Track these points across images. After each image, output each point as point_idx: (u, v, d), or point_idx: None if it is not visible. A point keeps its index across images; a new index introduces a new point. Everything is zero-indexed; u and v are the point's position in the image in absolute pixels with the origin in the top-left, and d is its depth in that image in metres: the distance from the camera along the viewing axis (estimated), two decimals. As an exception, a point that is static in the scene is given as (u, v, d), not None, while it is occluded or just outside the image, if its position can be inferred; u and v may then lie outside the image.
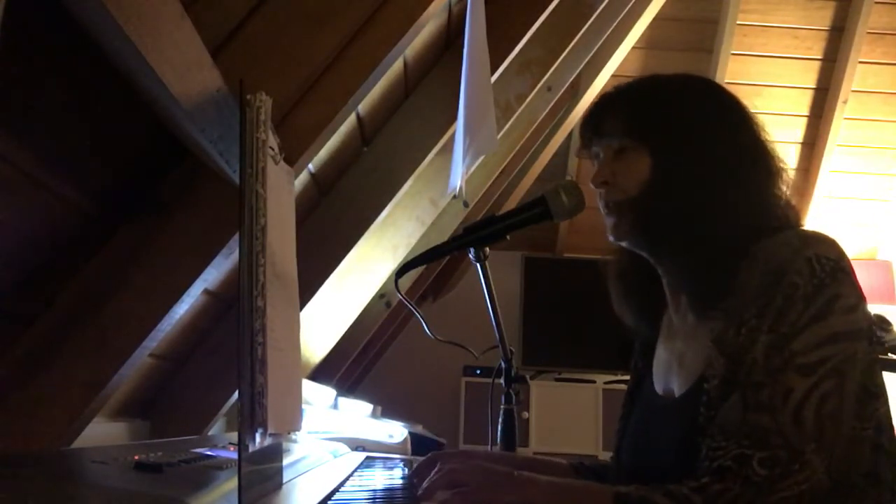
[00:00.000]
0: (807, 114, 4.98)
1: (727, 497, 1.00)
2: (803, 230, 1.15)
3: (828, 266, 1.06)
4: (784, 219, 1.19)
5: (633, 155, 1.22)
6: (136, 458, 0.87)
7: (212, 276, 1.34)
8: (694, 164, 1.18)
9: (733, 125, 1.22)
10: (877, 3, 4.62)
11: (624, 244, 1.26)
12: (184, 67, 1.01)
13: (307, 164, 1.62)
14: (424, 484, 1.16)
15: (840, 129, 4.98)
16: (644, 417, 1.29)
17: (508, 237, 1.52)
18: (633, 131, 1.22)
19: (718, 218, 1.15)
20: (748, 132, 1.23)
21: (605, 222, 1.26)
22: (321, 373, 2.88)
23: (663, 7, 4.16)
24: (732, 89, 1.30)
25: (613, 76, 4.36)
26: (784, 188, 1.22)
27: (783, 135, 4.92)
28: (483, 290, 1.58)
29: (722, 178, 1.17)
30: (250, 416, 0.86)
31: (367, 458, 1.99)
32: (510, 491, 1.10)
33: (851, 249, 5.16)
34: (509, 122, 2.87)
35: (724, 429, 1.04)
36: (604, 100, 1.28)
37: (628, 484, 1.20)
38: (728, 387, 1.07)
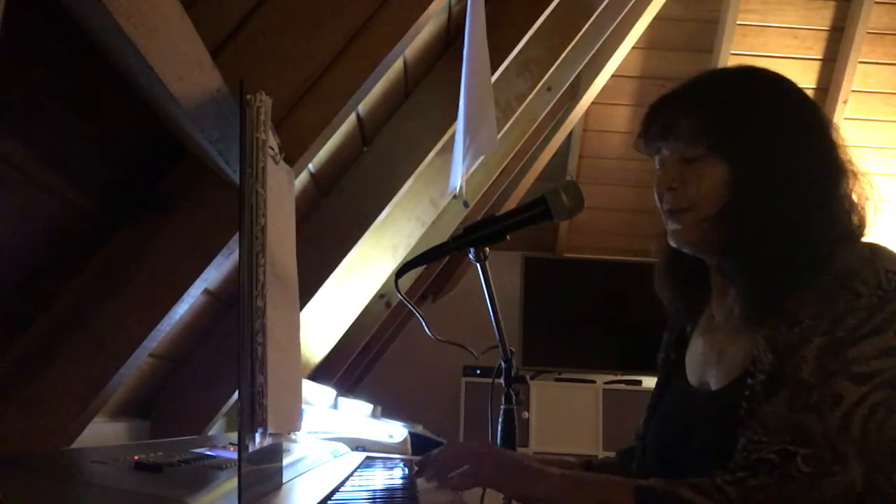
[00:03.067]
0: (807, 114, 4.98)
1: (766, 493, 1.00)
2: (872, 243, 1.14)
3: (894, 281, 1.06)
4: (858, 226, 1.17)
5: (707, 164, 1.17)
6: (136, 458, 0.86)
7: (212, 276, 1.34)
8: (775, 178, 1.15)
9: (809, 128, 1.19)
10: (877, 3, 4.62)
11: (684, 250, 1.23)
12: (184, 67, 1.00)
13: (307, 164, 1.61)
14: (434, 457, 1.17)
15: (840, 129, 4.98)
16: (676, 407, 1.28)
17: (508, 237, 1.52)
18: (711, 140, 1.17)
19: (796, 236, 1.13)
20: (823, 134, 1.20)
21: (665, 224, 1.23)
22: (321, 373, 2.88)
23: (663, 7, 4.16)
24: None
25: (613, 76, 4.36)
26: (855, 189, 1.19)
27: (783, 135, 4.92)
28: (483, 290, 1.58)
29: (801, 193, 1.14)
30: (250, 416, 0.86)
31: (367, 458, 1.99)
32: (523, 480, 1.10)
33: (851, 249, 5.15)
34: (509, 122, 2.87)
35: (766, 424, 1.04)
36: (674, 98, 1.23)
37: (655, 473, 1.19)
38: (773, 383, 1.06)
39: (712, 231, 1.18)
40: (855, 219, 1.18)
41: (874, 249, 1.10)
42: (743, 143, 1.16)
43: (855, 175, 1.20)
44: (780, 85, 1.24)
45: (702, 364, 1.25)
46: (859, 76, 4.84)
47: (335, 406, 2.62)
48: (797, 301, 1.08)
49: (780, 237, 1.14)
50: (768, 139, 1.16)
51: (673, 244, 1.24)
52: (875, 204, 1.21)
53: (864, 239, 1.18)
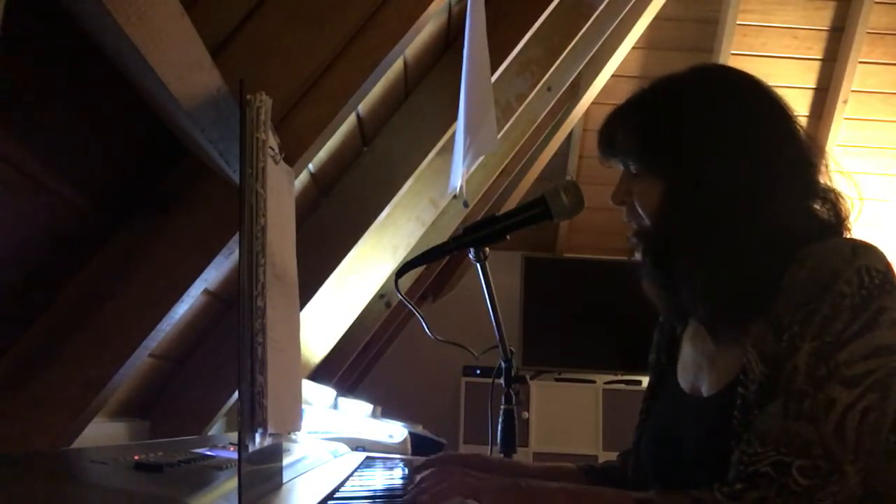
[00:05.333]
0: (807, 114, 4.98)
1: None
2: (852, 239, 1.12)
3: (877, 278, 1.04)
4: (831, 222, 1.15)
5: (646, 179, 1.19)
6: (136, 458, 0.87)
7: (212, 276, 1.34)
8: (706, 193, 1.13)
9: (754, 132, 1.16)
10: (877, 3, 4.62)
11: None
12: (184, 67, 1.01)
13: (307, 164, 1.62)
14: (429, 489, 1.15)
15: (840, 129, 4.98)
16: (668, 413, 1.28)
17: (508, 237, 1.52)
18: (643, 156, 1.19)
19: (736, 250, 1.12)
20: (773, 132, 1.17)
21: (629, 241, 1.24)
22: (321, 373, 2.88)
23: (663, 7, 4.16)
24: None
25: (613, 76, 4.36)
26: (826, 181, 1.16)
27: (783, 135, 4.93)
28: (483, 290, 1.58)
29: (740, 202, 1.12)
30: (250, 416, 0.86)
31: (367, 458, 1.99)
32: (523, 502, 1.09)
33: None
34: (509, 122, 2.87)
35: (761, 435, 1.02)
36: (616, 115, 1.24)
37: (648, 480, 1.18)
38: (766, 392, 1.05)
39: (654, 248, 1.19)
40: (828, 214, 1.16)
41: (855, 247, 1.07)
42: (670, 160, 1.16)
43: (823, 170, 1.17)
44: (720, 88, 1.21)
45: (693, 370, 1.24)
46: (859, 76, 4.84)
47: (335, 406, 2.62)
48: (782, 304, 1.06)
49: (711, 256, 1.13)
50: (695, 154, 1.15)
51: (638, 258, 1.24)
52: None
53: (848, 236, 1.15)
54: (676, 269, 1.18)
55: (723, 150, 1.15)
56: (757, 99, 1.20)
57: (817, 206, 1.16)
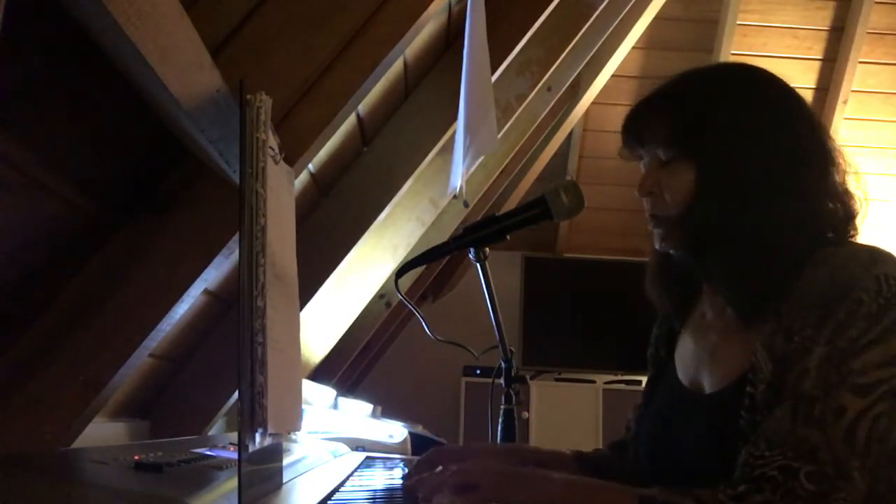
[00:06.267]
0: (807, 114, 4.98)
1: None
2: (869, 245, 1.12)
3: (895, 287, 1.04)
4: (843, 221, 1.16)
5: (678, 167, 1.18)
6: (136, 458, 0.87)
7: (212, 276, 1.34)
8: (740, 177, 1.14)
9: (784, 124, 1.18)
10: (877, 3, 4.62)
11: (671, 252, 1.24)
12: (184, 67, 1.01)
13: (307, 164, 1.62)
14: (429, 482, 1.15)
15: (840, 129, 4.98)
16: (667, 407, 1.27)
17: (508, 237, 1.52)
18: (676, 143, 1.18)
19: (768, 233, 1.12)
20: (800, 128, 1.18)
21: (651, 231, 1.24)
22: (321, 373, 2.88)
23: (663, 7, 4.16)
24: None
25: (613, 76, 4.36)
26: (841, 181, 1.18)
27: (783, 135, 4.93)
28: (483, 290, 1.58)
29: (771, 190, 1.13)
30: (250, 416, 0.86)
31: (367, 458, 1.99)
32: (524, 490, 1.08)
33: (851, 249, 5.16)
34: (509, 122, 2.87)
35: (769, 439, 1.01)
36: (646, 104, 1.24)
37: (647, 475, 1.17)
38: (774, 393, 1.05)
39: (687, 234, 1.19)
40: (840, 213, 1.16)
41: (874, 254, 1.07)
42: (705, 143, 1.17)
43: (840, 169, 1.18)
44: (751, 81, 1.23)
45: (693, 364, 1.24)
46: (859, 76, 4.85)
47: (335, 406, 2.62)
48: (795, 305, 1.06)
49: (745, 237, 1.13)
50: (730, 138, 1.16)
51: (658, 248, 1.24)
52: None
53: (864, 242, 1.15)
54: (708, 254, 1.18)
55: (754, 132, 1.16)
56: (784, 92, 1.22)
57: (831, 205, 1.17)
